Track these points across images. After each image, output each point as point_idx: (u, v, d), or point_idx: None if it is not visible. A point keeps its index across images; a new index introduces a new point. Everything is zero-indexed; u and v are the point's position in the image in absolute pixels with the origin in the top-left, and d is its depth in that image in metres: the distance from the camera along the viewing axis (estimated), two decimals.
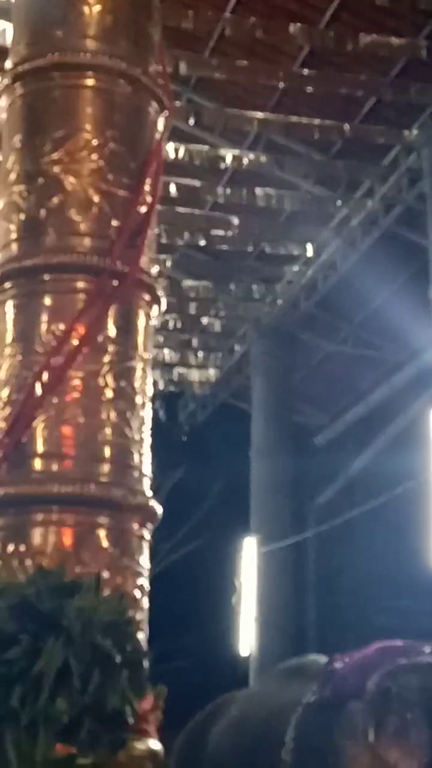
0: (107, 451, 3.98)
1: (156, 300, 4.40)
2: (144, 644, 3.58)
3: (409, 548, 12.19)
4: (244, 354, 15.07)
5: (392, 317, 12.79)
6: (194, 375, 15.97)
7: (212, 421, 16.38)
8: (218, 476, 13.91)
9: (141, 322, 4.31)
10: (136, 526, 3.94)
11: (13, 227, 4.21)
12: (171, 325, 14.35)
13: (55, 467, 3.91)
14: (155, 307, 4.43)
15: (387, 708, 5.78)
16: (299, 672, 7.25)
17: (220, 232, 12.69)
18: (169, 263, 13.14)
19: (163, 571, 9.61)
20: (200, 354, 15.69)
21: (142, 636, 3.61)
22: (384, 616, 13.59)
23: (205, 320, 14.88)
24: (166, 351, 15.12)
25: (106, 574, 3.67)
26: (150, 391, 4.32)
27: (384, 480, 12.70)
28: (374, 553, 16.24)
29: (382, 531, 15.66)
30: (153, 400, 11.77)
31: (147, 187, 4.31)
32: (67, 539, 3.76)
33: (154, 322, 4.47)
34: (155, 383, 12.71)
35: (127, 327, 4.23)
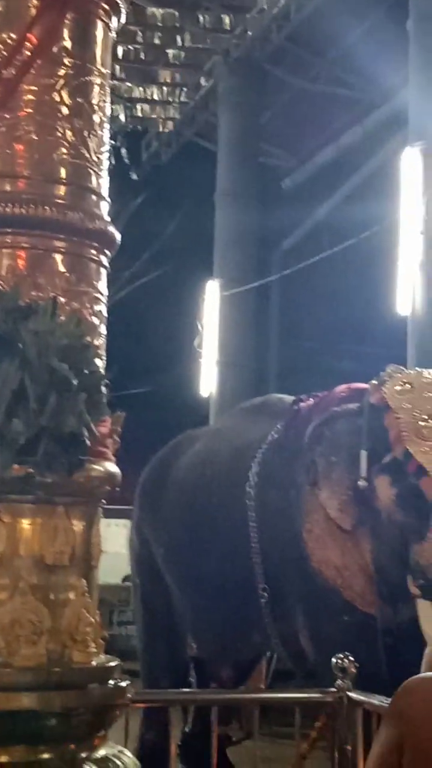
0: (63, 172, 3.74)
1: (115, 9, 4.04)
2: (102, 370, 3.49)
3: (374, 294, 12.19)
4: (210, 89, 14.47)
5: (367, 53, 12.25)
6: (158, 111, 15.38)
7: (176, 162, 15.95)
8: (182, 218, 13.67)
9: (99, 33, 3.97)
10: (93, 251, 3.76)
11: None
12: (134, 56, 13.64)
13: (8, 187, 3.68)
14: (114, 18, 4.07)
15: (316, 451, 5.90)
16: (265, 410, 7.35)
17: None
18: None
19: (125, 304, 9.53)
20: (165, 89, 15.04)
21: (99, 362, 3.51)
22: (347, 360, 13.75)
23: (170, 52, 14.16)
24: (128, 85, 14.47)
25: (62, 299, 3.53)
26: (108, 109, 4.04)
27: (352, 225, 12.51)
28: (339, 298, 16.28)
29: (347, 277, 15.63)
30: (114, 137, 11.30)
31: None
32: (22, 262, 3.59)
33: (114, 34, 4.13)
34: (116, 119, 12.22)
35: (84, 38, 3.89)
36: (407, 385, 5.73)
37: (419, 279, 9.52)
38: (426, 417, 5.55)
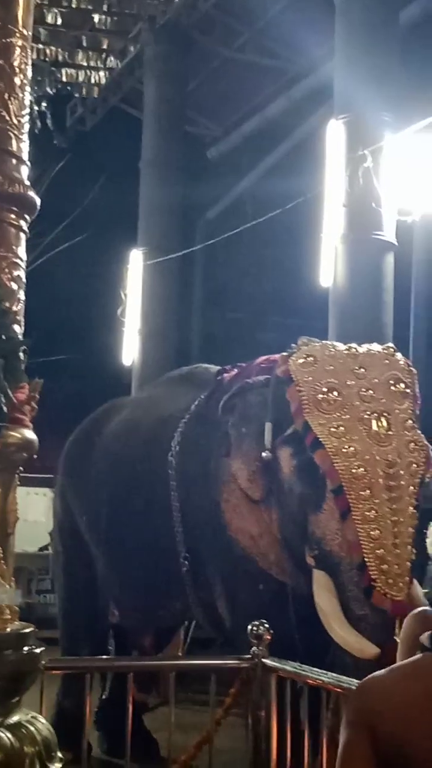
0: None
1: None
2: (20, 336, 3.46)
3: (298, 265, 12.25)
4: (137, 56, 14.32)
5: (294, 23, 12.24)
6: (83, 76, 15.13)
7: (101, 128, 15.79)
8: (106, 185, 13.55)
9: None
10: (12, 216, 3.72)
11: None
12: (59, 20, 13.41)
13: None
14: None
15: (228, 423, 5.95)
16: (191, 379, 7.38)
17: None
18: None
19: (46, 270, 9.41)
20: (90, 54, 14.79)
21: (18, 328, 3.48)
22: (271, 332, 13.81)
23: (96, 17, 13.94)
24: (53, 49, 14.22)
25: None
26: (30, 72, 3.99)
27: (276, 196, 12.52)
28: (264, 270, 16.34)
29: (272, 248, 15.70)
30: (39, 102, 11.01)
31: None
32: None
33: None
34: (41, 83, 12.01)
35: (5, 0, 3.85)
36: (310, 357, 5.79)
37: (341, 251, 9.58)
38: (326, 390, 5.62)
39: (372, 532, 5.26)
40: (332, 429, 5.52)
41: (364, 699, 2.19)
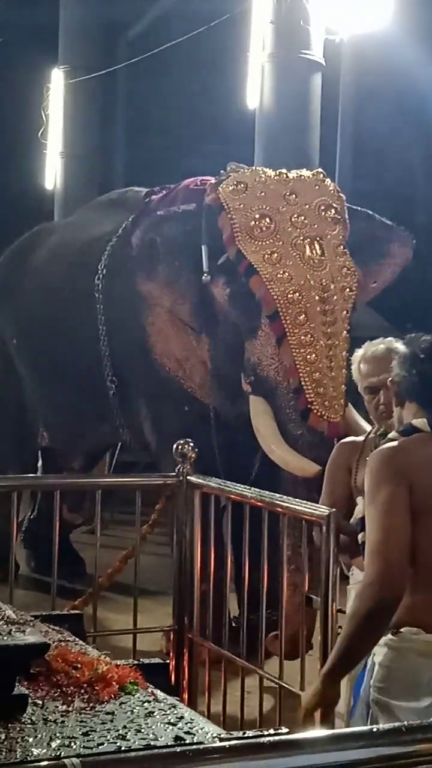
0: None
1: None
2: None
3: (225, 87, 11.91)
4: None
5: None
6: None
7: None
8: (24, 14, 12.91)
9: None
10: None
11: None
12: None
13: None
14: None
15: (159, 251, 5.91)
16: (122, 203, 7.29)
17: None
18: None
19: None
20: None
21: None
22: (196, 157, 13.50)
23: None
24: None
25: None
26: None
27: (202, 13, 12.07)
28: (188, 92, 15.90)
29: (197, 69, 15.23)
30: None
31: None
32: None
33: None
34: None
35: None
36: (240, 184, 5.73)
37: (267, 71, 9.31)
38: (258, 216, 5.60)
39: (308, 356, 5.34)
40: (266, 255, 5.52)
41: (403, 458, 2.81)
